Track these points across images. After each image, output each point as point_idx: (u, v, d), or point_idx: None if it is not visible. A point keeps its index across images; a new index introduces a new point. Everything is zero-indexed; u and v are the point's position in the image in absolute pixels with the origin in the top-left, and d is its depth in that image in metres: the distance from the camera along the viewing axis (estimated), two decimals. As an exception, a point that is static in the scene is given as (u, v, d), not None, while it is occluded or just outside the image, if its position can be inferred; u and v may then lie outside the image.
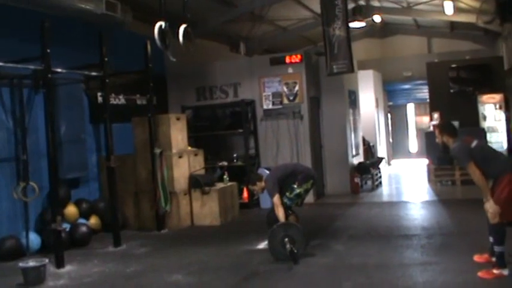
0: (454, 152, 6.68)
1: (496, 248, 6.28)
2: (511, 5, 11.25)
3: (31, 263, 7.38)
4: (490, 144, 14.68)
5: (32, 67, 8.78)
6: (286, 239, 7.54)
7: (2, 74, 8.89)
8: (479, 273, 6.29)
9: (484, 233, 6.89)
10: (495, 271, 6.23)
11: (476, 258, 6.91)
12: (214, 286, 6.87)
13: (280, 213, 7.89)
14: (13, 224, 9.19)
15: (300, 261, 7.47)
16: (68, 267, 8.02)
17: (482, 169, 6.34)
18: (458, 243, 8.16)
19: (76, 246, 9.28)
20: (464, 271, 6.57)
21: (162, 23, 8.47)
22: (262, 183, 8.46)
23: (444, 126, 6.83)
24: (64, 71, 9.27)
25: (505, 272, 6.19)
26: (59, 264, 8.00)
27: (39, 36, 8.20)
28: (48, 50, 8.18)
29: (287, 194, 8.20)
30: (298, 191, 8.25)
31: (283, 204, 8.02)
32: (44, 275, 7.34)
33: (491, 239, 6.49)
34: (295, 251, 7.47)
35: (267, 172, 12.42)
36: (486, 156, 6.49)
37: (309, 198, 12.64)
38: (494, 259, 6.40)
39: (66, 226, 9.26)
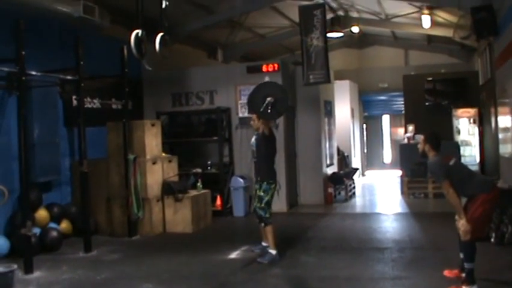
0: (432, 167, 6.72)
1: (466, 265, 6.34)
2: (487, 22, 11.38)
3: (-1, 268, 7.28)
4: (463, 158, 14.94)
5: (6, 69, 8.67)
6: (270, 98, 7.98)
7: (-25, 76, 8.76)
8: (449, 289, 6.34)
9: (454, 248, 6.95)
10: (464, 287, 6.28)
11: (446, 273, 6.96)
12: (184, 296, 6.85)
13: None
14: (-19, 227, 9.02)
15: (270, 273, 7.52)
16: (37, 273, 7.89)
17: (457, 187, 6.40)
18: (429, 257, 8.22)
19: (46, 251, 9.13)
20: (434, 287, 6.61)
21: (139, 31, 8.40)
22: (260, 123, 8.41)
23: (430, 137, 6.79)
24: (39, 73, 9.16)
25: (474, 288, 6.25)
26: (28, 270, 7.87)
27: (14, 37, 8.10)
28: (23, 52, 8.06)
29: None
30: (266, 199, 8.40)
31: None
32: (12, 281, 7.21)
33: (461, 255, 6.56)
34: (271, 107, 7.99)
35: (241, 181, 12.51)
36: (462, 175, 6.56)
37: (282, 207, 12.72)
38: (463, 275, 6.44)
39: (37, 231, 9.13)
